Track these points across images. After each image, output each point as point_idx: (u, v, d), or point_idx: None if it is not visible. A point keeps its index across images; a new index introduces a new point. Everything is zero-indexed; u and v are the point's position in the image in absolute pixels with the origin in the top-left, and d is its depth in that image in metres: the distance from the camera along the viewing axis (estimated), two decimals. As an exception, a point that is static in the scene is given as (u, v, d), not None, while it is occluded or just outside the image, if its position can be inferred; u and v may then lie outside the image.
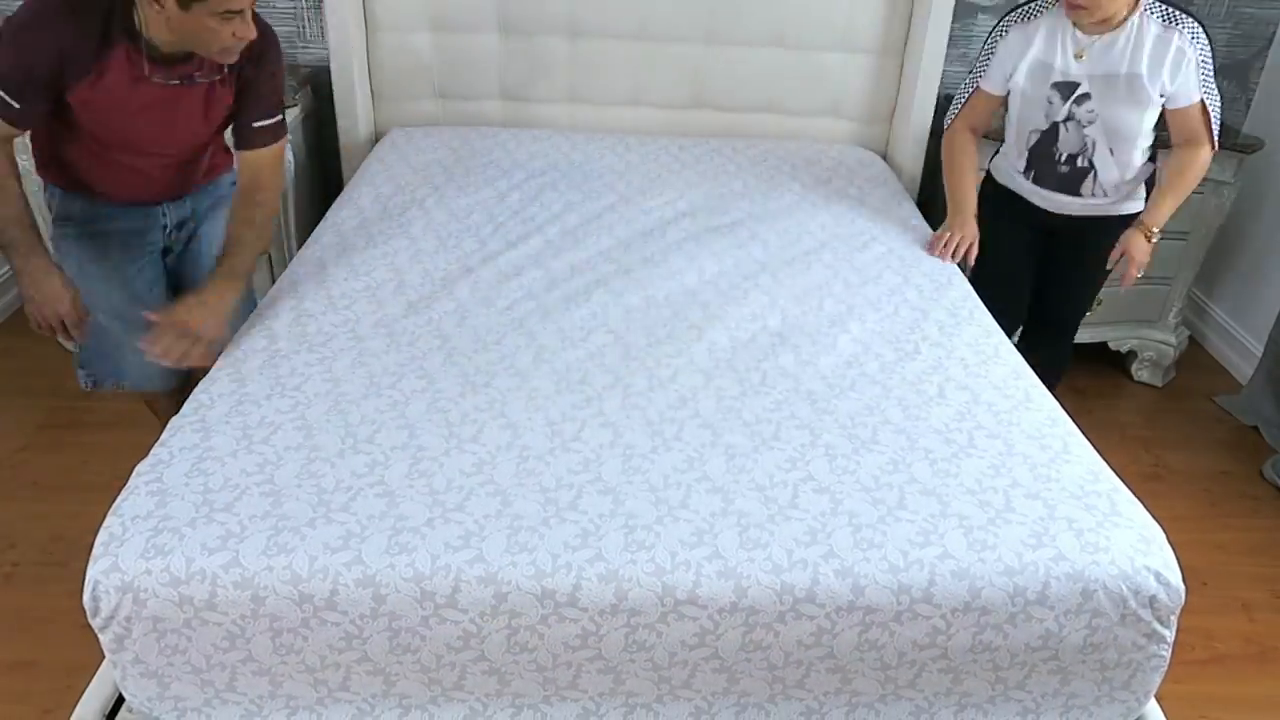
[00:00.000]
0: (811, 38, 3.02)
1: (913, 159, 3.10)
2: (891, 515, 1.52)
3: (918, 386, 1.86)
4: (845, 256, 2.37)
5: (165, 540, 1.42)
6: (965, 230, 2.45)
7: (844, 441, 1.68)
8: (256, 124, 2.01)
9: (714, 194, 2.69)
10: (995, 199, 2.53)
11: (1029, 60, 2.29)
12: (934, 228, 2.67)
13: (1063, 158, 2.35)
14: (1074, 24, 2.21)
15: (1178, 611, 1.50)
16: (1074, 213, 2.42)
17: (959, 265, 2.44)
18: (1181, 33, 2.15)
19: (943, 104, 3.16)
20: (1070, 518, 1.54)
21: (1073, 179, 2.37)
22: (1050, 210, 2.44)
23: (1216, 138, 2.25)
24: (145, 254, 2.14)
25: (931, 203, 3.30)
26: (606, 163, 2.86)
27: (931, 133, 3.08)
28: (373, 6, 2.94)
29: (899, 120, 3.13)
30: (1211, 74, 2.21)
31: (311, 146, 3.16)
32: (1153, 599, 1.47)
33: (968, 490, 1.59)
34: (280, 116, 2.05)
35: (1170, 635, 1.51)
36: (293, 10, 3.11)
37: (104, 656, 1.49)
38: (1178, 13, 2.18)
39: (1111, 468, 1.70)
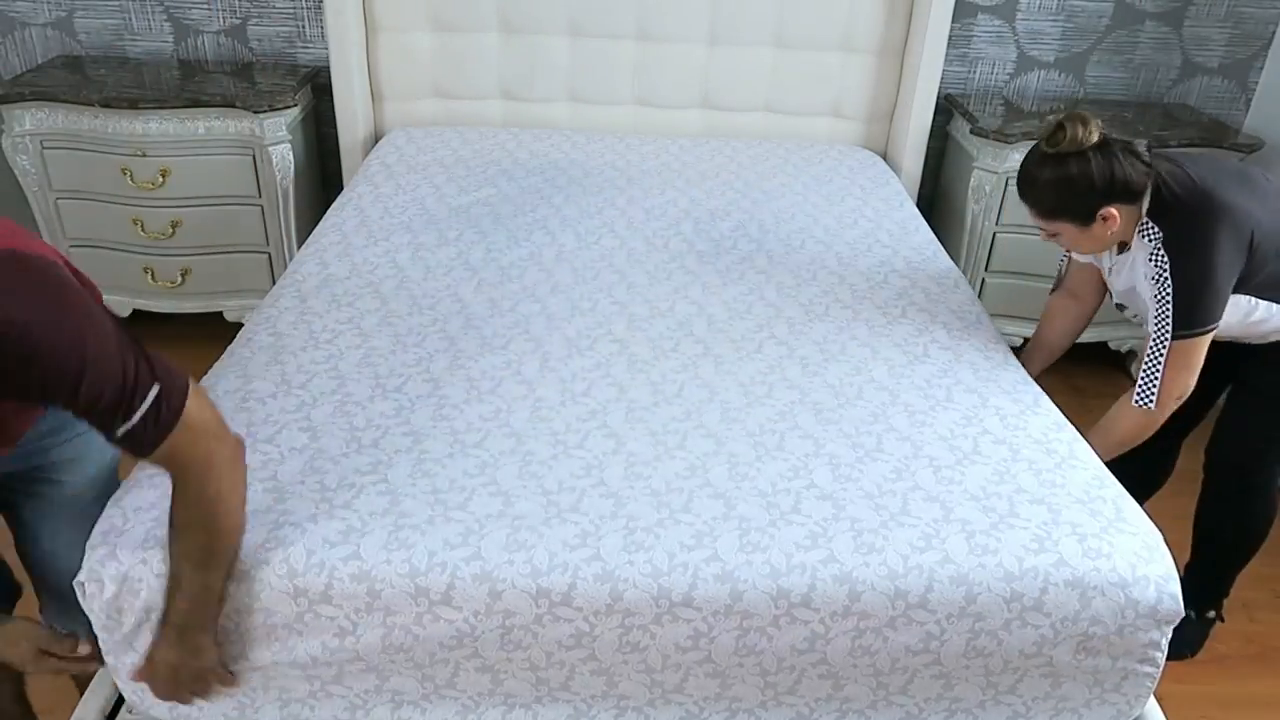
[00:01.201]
0: (811, 38, 3.02)
1: (913, 159, 3.10)
2: (894, 520, 1.52)
3: (926, 391, 1.86)
4: (849, 261, 2.36)
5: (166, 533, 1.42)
6: None
7: (848, 451, 1.68)
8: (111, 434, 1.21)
9: (714, 194, 2.68)
10: None
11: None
12: (934, 228, 2.67)
13: None
14: None
15: (1175, 622, 1.50)
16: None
17: None
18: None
19: (943, 104, 3.17)
20: (1074, 523, 1.54)
21: None
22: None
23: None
24: None
25: (932, 203, 3.31)
26: (606, 162, 2.85)
27: (931, 133, 3.09)
28: (373, 6, 2.93)
29: (899, 120, 3.12)
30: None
31: (311, 146, 3.15)
32: (1151, 608, 1.47)
33: (971, 496, 1.59)
34: (132, 408, 1.17)
35: (1165, 643, 1.51)
36: (293, 10, 3.10)
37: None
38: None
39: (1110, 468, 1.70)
